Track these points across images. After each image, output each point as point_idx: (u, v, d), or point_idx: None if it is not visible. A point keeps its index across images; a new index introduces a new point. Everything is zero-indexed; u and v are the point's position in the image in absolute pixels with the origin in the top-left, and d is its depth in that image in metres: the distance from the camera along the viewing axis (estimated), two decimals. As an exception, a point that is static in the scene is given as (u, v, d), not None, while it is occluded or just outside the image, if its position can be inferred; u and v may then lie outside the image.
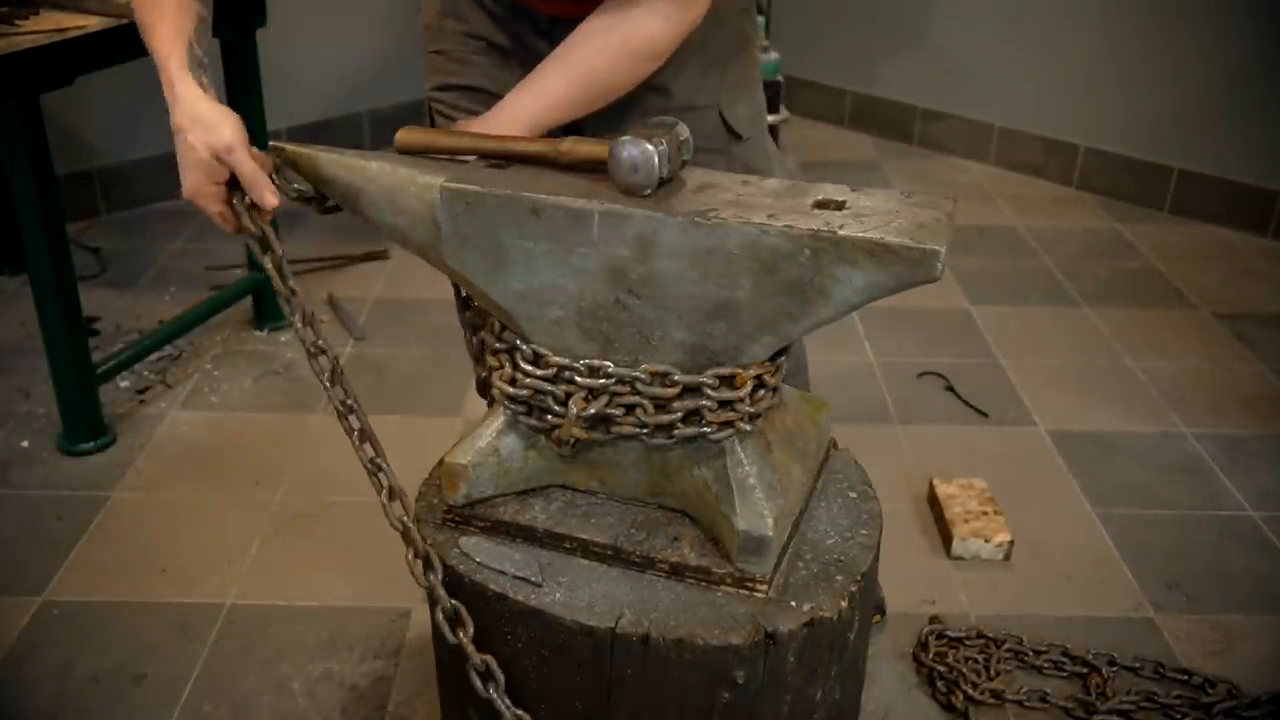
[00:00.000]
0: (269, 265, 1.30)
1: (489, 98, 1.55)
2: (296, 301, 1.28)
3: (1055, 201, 4.05)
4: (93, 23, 2.23)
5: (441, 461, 1.30)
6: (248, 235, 1.31)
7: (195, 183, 1.30)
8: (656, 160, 1.13)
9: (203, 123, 1.28)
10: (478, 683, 1.17)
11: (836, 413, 1.41)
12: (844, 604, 1.18)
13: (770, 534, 1.16)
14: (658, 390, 1.18)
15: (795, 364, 1.78)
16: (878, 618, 2.01)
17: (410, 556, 1.20)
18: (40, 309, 2.40)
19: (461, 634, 1.17)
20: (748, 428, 1.19)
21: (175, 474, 2.47)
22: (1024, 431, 2.67)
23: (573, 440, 1.22)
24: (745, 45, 1.65)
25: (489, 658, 1.17)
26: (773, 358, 1.19)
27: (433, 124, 1.65)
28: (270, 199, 1.28)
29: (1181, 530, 2.35)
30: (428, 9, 1.66)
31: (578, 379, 1.19)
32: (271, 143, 1.32)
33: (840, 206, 1.13)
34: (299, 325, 1.28)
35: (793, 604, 1.17)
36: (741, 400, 1.17)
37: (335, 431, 2.61)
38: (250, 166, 1.27)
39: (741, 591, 1.18)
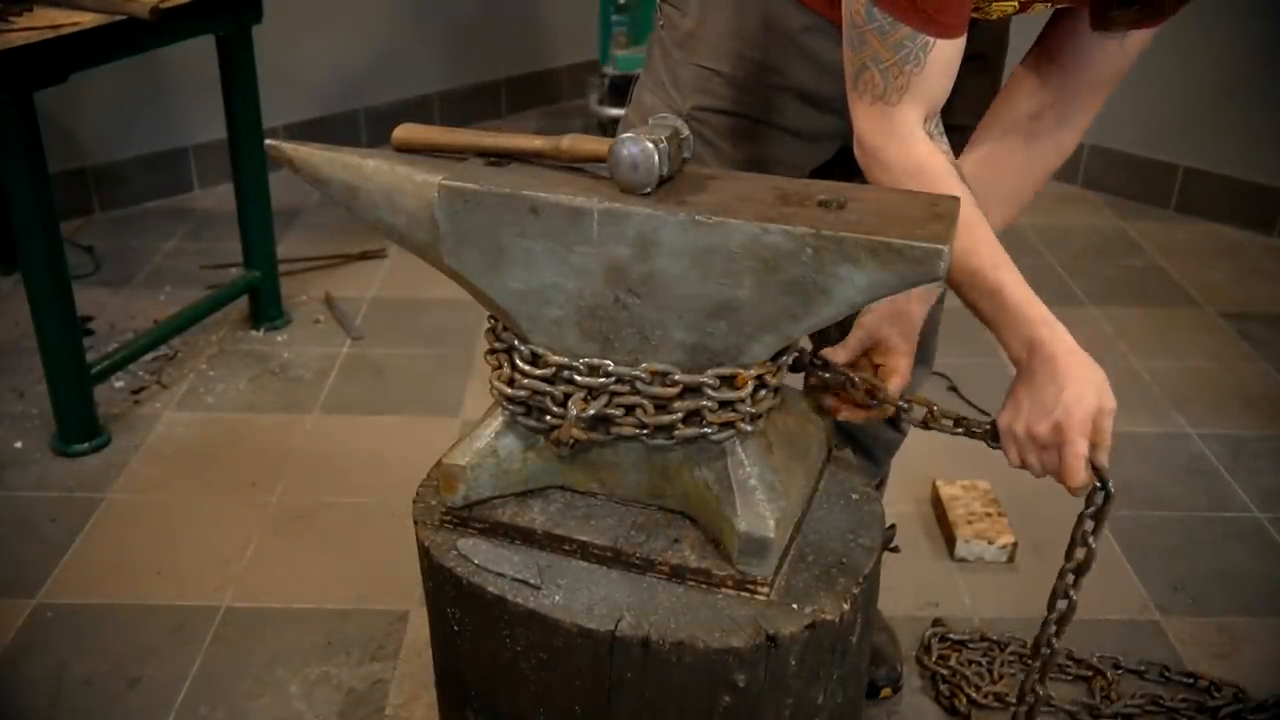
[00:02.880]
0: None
1: (763, 128, 1.49)
2: None
3: (1059, 199, 4.04)
4: (87, 19, 2.21)
5: (439, 463, 1.29)
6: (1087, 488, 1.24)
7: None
8: (657, 158, 1.12)
9: (1099, 378, 1.20)
10: None
11: (839, 413, 1.40)
12: (846, 606, 1.17)
13: (771, 535, 1.14)
14: (658, 390, 1.17)
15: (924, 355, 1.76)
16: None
17: None
18: (34, 308, 2.39)
19: None
20: (749, 428, 1.18)
21: (171, 475, 2.45)
22: (1027, 431, 2.65)
23: (572, 441, 1.21)
24: (1001, 70, 1.59)
25: None
26: (774, 357, 1.18)
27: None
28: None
29: (1186, 532, 2.33)
30: (712, 22, 1.49)
31: (577, 378, 1.18)
32: (268, 141, 1.30)
33: (842, 205, 1.12)
34: None
35: (794, 606, 1.16)
36: (742, 400, 1.16)
37: (332, 432, 2.62)
38: (1109, 433, 1.21)
39: (742, 594, 1.17)
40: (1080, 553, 1.27)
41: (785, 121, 1.50)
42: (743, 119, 1.50)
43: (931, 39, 1.21)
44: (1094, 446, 1.20)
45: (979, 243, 1.22)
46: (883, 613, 1.91)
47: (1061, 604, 1.30)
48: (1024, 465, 1.25)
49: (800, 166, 1.53)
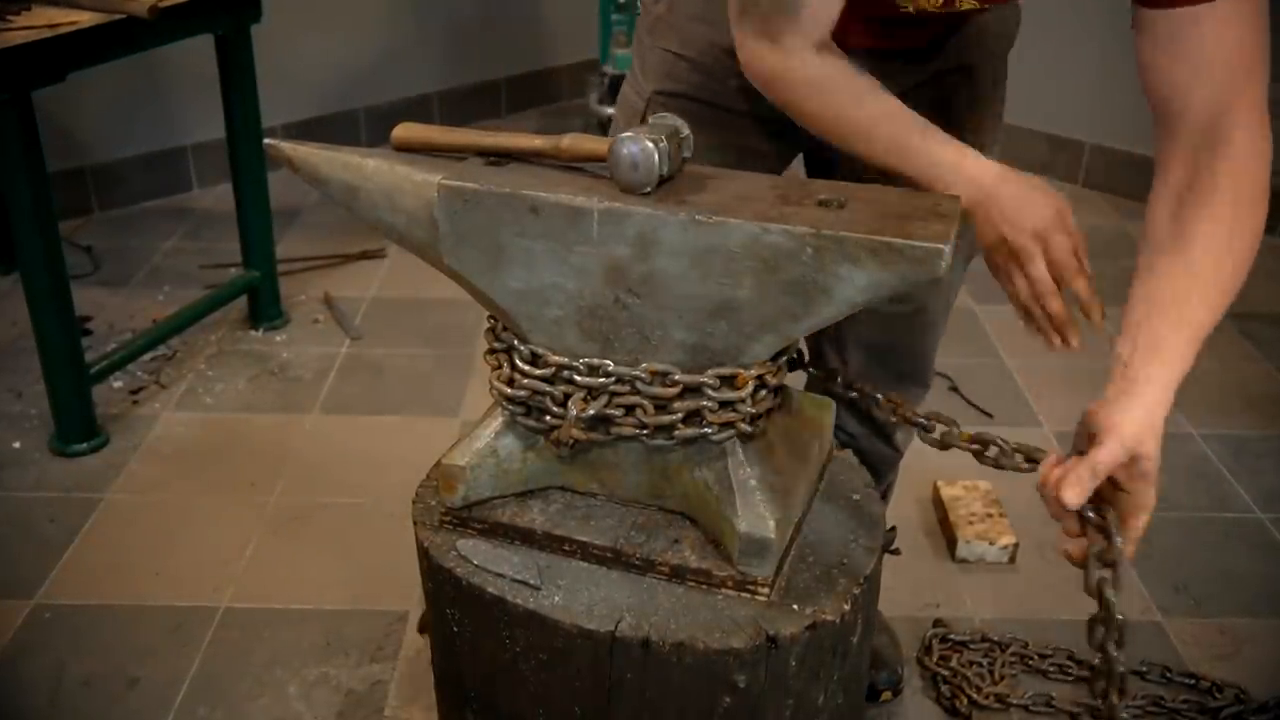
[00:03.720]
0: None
1: (724, 114, 1.48)
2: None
3: (1059, 199, 4.03)
4: (85, 18, 2.20)
5: (439, 463, 1.28)
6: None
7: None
8: (657, 157, 1.12)
9: (1042, 187, 1.23)
10: None
11: (840, 413, 1.39)
12: (846, 607, 1.17)
13: (772, 536, 1.14)
14: (658, 390, 1.16)
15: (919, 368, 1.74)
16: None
17: None
18: (32, 308, 2.38)
19: None
20: (749, 428, 1.17)
21: (169, 475, 2.45)
22: (1029, 433, 2.64)
23: (572, 441, 1.20)
24: (1000, 84, 1.57)
25: None
26: (774, 357, 1.17)
27: (644, 120, 1.50)
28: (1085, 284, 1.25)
29: (1188, 532, 2.32)
30: (679, 5, 1.50)
31: (577, 378, 1.18)
32: (267, 140, 1.29)
33: (842, 205, 1.12)
34: None
35: (794, 607, 1.15)
36: (743, 401, 1.15)
37: (330, 432, 2.61)
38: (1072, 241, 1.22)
39: (743, 594, 1.16)
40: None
41: (752, 109, 1.47)
42: (707, 105, 1.48)
43: None
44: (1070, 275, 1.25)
45: (889, 109, 1.24)
46: (883, 614, 1.90)
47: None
48: (1023, 302, 1.29)
49: (768, 155, 1.51)
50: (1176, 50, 1.18)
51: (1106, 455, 1.07)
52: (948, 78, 1.47)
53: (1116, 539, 1.09)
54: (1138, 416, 1.09)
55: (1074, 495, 1.08)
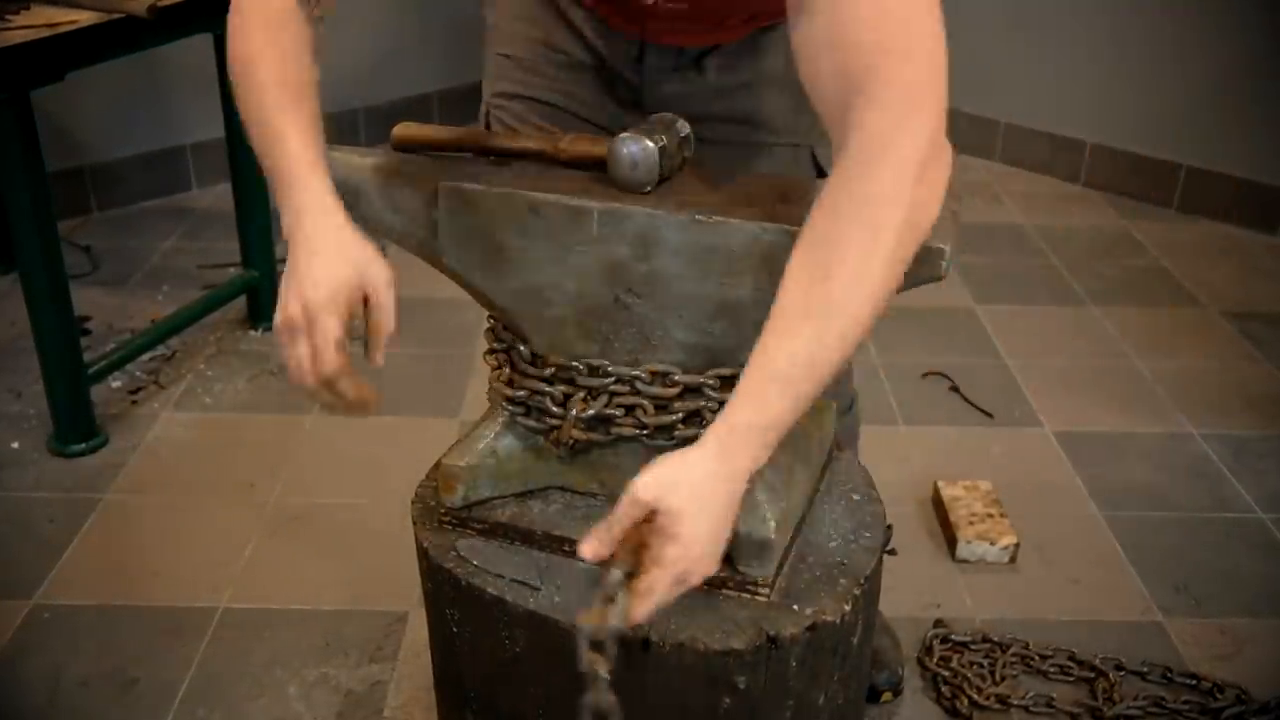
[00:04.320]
0: None
1: (558, 113, 1.47)
2: None
3: (1062, 199, 4.03)
4: (84, 18, 2.20)
5: (439, 463, 1.28)
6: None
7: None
8: (657, 157, 1.12)
9: (347, 254, 1.11)
10: None
11: (840, 413, 1.39)
12: (847, 607, 1.16)
13: (772, 537, 1.14)
14: (658, 390, 1.16)
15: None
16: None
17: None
18: (31, 308, 2.38)
19: None
20: (750, 429, 1.17)
21: (168, 476, 2.45)
22: (1030, 432, 2.64)
23: (572, 442, 1.20)
24: None
25: None
26: (775, 357, 1.17)
27: (488, 128, 1.56)
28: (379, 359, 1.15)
29: (1189, 532, 2.32)
30: (502, 8, 1.54)
31: (577, 379, 1.18)
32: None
33: (845, 203, 1.11)
34: None
35: (795, 607, 1.15)
36: (744, 401, 1.15)
37: (329, 433, 2.61)
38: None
39: (743, 595, 1.16)
40: None
41: (561, 100, 1.47)
42: (536, 102, 1.48)
43: None
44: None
45: (272, 87, 1.18)
46: (884, 614, 1.90)
47: None
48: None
49: None
50: (805, 5, 0.97)
51: (619, 510, 1.02)
52: (759, 83, 1.43)
53: (618, 597, 1.01)
54: (660, 472, 1.01)
55: (586, 548, 1.04)
